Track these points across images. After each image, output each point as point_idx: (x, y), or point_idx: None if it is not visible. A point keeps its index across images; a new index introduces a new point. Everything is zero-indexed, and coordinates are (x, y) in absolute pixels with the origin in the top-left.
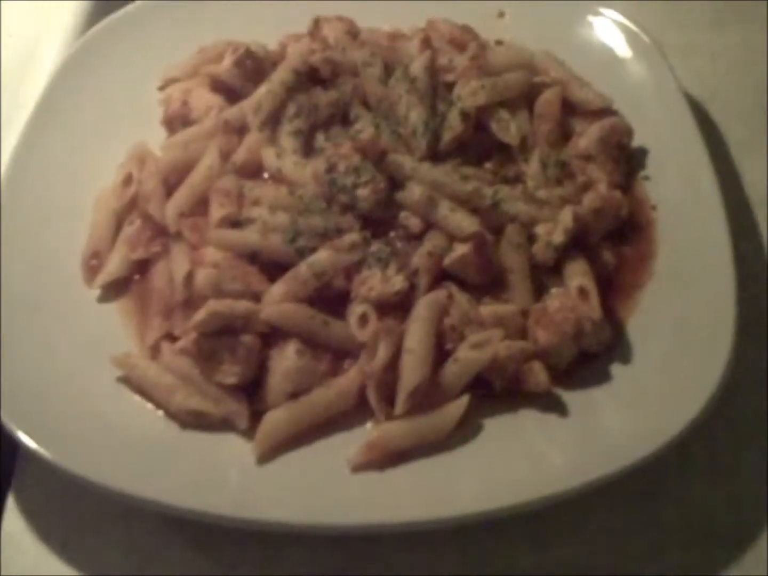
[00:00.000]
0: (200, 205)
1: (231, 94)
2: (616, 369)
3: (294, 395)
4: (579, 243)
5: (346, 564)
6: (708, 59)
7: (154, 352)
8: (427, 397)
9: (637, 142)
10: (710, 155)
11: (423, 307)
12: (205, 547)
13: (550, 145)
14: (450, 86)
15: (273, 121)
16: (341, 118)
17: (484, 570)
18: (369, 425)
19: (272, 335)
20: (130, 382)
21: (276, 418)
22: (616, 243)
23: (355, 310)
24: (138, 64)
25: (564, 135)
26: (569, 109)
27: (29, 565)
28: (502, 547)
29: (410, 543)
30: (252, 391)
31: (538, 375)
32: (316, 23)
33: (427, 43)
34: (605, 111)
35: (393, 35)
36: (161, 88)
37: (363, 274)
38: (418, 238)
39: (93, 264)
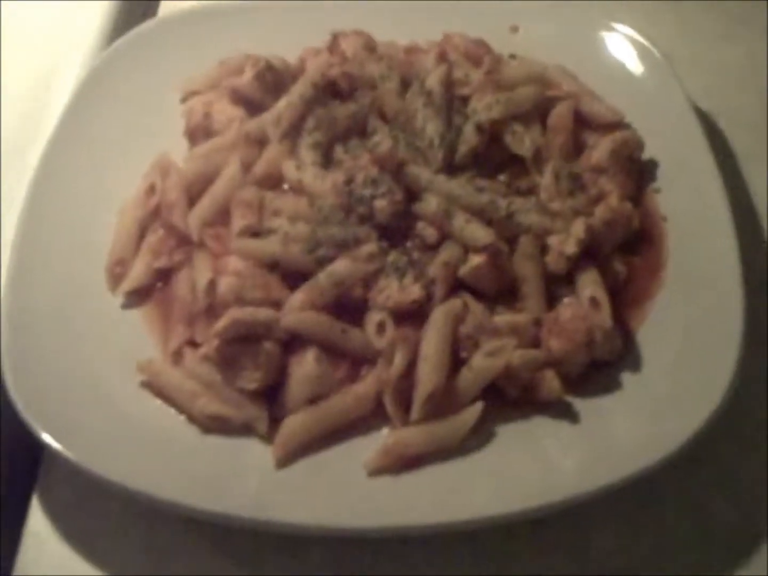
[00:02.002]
0: (222, 215)
1: (251, 106)
2: (627, 377)
3: (312, 401)
4: (591, 254)
5: (362, 565)
6: (716, 73)
7: (177, 358)
8: (443, 403)
9: (647, 154)
10: (719, 167)
11: (439, 316)
12: (225, 549)
13: (563, 157)
14: (465, 100)
15: (293, 133)
16: (359, 130)
17: (493, 571)
18: (385, 431)
19: (292, 342)
20: (153, 387)
21: (295, 423)
22: (627, 254)
23: (373, 318)
24: (161, 77)
25: (576, 148)
26: (581, 122)
27: (54, 565)
28: (510, 549)
29: (423, 545)
30: (272, 396)
31: (551, 383)
32: (335, 38)
33: (442, 57)
34: (617, 124)
35: (409, 49)
36: (183, 100)
37: (380, 283)
38: (434, 248)
39: (117, 271)
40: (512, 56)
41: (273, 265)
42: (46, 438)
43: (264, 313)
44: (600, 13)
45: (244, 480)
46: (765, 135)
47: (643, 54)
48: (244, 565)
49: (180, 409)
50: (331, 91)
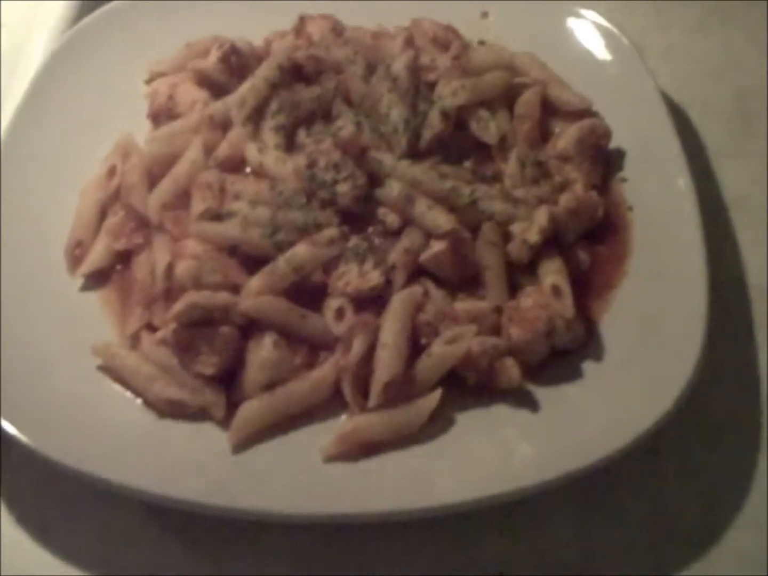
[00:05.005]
0: (182, 198)
1: (216, 88)
2: (589, 366)
3: (270, 386)
4: (554, 242)
5: (317, 551)
6: (689, 63)
7: (134, 341)
8: (401, 390)
9: (615, 143)
10: (687, 158)
11: (399, 303)
12: (181, 533)
13: (529, 145)
14: (431, 85)
15: (256, 116)
16: (323, 114)
17: (452, 560)
18: (343, 417)
19: (250, 327)
20: (110, 370)
21: (252, 409)
22: (592, 243)
23: (332, 304)
24: (125, 58)
25: (543, 135)
26: (549, 109)
27: (8, 549)
28: (471, 538)
29: (381, 532)
30: (229, 381)
31: (511, 371)
32: (301, 21)
33: (409, 42)
34: (584, 112)
35: (377, 34)
36: (148, 82)
37: (340, 269)
38: (395, 234)
39: (76, 253)
40: (481, 42)
41: (232, 249)
42: (2, 423)
43: (222, 298)
44: (572, 1)
45: (200, 465)
46: (736, 127)
47: (613, 42)
48: (200, 551)
49: (136, 393)
50: (296, 74)
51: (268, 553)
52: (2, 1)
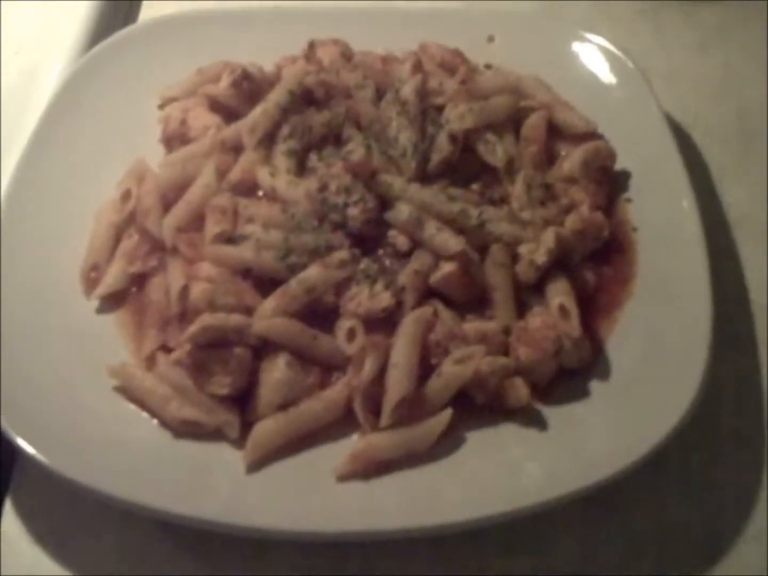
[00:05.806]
0: (196, 222)
1: (228, 113)
2: (595, 385)
3: (283, 406)
4: (561, 263)
5: (330, 568)
6: (691, 84)
7: (150, 362)
8: (412, 410)
9: (620, 165)
10: (691, 178)
11: (409, 324)
12: (196, 551)
13: (535, 167)
14: (439, 109)
15: (268, 140)
16: (334, 138)
17: None
18: (355, 436)
19: (263, 348)
20: (126, 391)
21: (266, 428)
22: (598, 263)
23: (344, 325)
24: (138, 83)
25: (549, 158)
26: (555, 132)
27: (26, 566)
28: (477, 554)
29: (389, 549)
30: (243, 401)
31: (519, 390)
32: (311, 46)
33: (418, 66)
34: (590, 135)
35: (386, 58)
36: (161, 107)
37: (351, 291)
38: (405, 256)
39: (92, 276)
40: (488, 66)
41: (245, 272)
42: (21, 443)
43: (235, 319)
44: (576, 25)
45: (215, 484)
46: (738, 147)
47: (617, 65)
48: (215, 567)
49: (152, 413)
50: (306, 99)
51: (281, 570)
52: (17, 28)
